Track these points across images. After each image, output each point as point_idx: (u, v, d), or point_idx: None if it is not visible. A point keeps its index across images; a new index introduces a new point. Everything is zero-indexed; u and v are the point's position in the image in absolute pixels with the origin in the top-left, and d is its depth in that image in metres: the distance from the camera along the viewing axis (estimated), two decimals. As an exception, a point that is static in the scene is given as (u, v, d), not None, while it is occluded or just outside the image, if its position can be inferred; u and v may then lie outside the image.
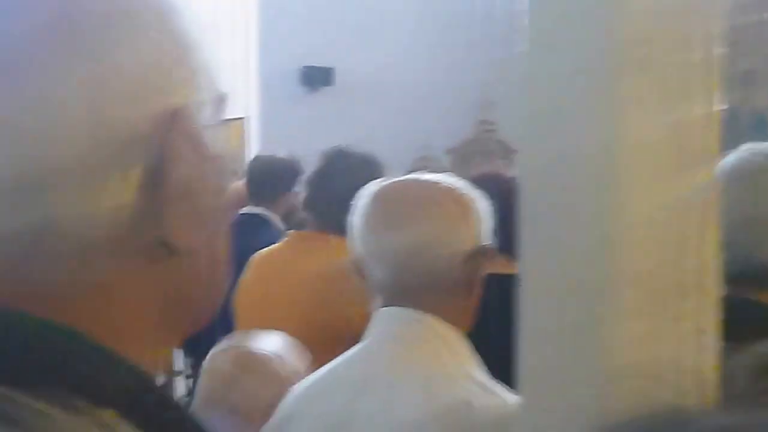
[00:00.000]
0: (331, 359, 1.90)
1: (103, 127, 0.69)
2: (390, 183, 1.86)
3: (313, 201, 3.14)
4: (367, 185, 1.88)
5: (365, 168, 3.03)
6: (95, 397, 0.69)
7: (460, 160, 9.61)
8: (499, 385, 1.74)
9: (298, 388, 1.89)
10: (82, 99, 0.68)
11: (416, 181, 1.87)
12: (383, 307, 1.81)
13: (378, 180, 1.90)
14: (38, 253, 0.69)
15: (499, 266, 1.94)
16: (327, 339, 2.56)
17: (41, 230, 0.68)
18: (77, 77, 0.68)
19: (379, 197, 1.82)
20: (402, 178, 1.89)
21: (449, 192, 1.82)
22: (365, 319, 1.87)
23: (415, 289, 1.77)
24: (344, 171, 3.05)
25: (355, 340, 1.87)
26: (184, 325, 0.78)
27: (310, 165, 3.39)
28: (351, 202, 1.88)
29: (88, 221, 0.69)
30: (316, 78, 9.65)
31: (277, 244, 3.28)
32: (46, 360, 0.69)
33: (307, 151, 3.84)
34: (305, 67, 9.58)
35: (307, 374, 1.98)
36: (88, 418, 0.68)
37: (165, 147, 0.72)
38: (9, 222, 0.68)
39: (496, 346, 1.87)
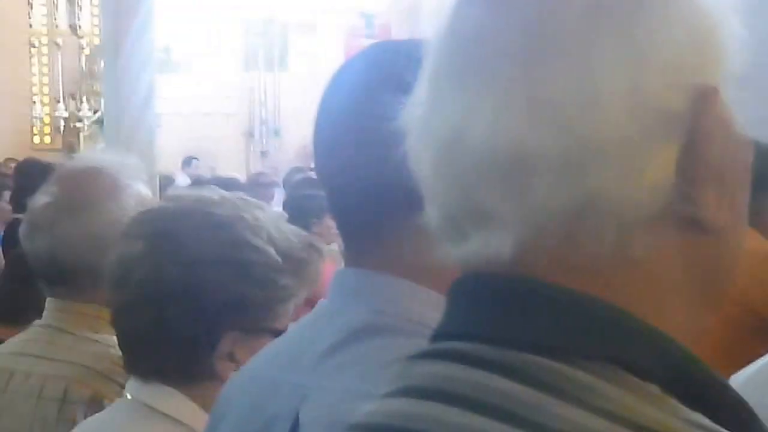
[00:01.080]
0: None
1: (642, 104, 0.70)
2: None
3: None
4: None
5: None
6: (640, 372, 0.70)
7: None
8: None
9: (742, 375, 1.83)
10: (622, 76, 0.69)
11: None
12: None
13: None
14: (580, 230, 0.70)
15: None
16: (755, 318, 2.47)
17: (584, 207, 0.70)
18: (617, 55, 0.70)
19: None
20: None
21: None
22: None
23: None
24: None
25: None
26: (712, 305, 0.78)
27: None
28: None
29: (628, 198, 0.70)
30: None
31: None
32: (589, 333, 0.70)
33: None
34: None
35: None
36: (633, 392, 0.69)
37: (698, 125, 0.72)
38: (554, 199, 0.70)
39: None
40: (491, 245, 0.72)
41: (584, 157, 0.69)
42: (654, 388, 0.69)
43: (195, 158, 12.36)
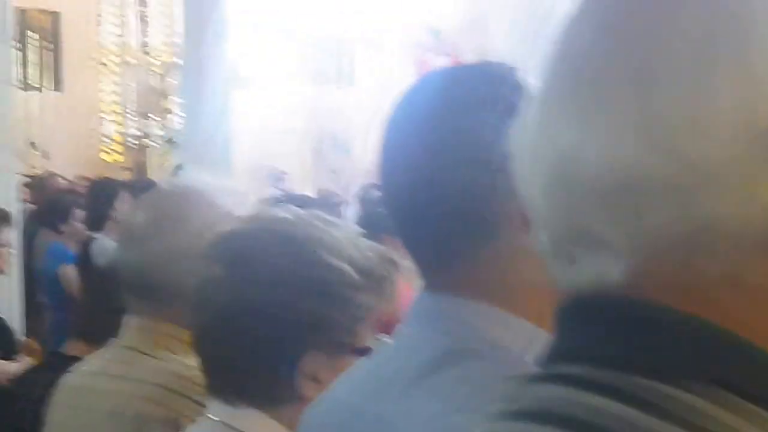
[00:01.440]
0: None
1: (753, 126, 0.68)
2: None
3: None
4: None
5: None
6: (750, 395, 0.69)
7: None
8: None
9: None
10: (734, 99, 0.68)
11: None
12: None
13: None
14: (692, 254, 0.70)
15: None
16: None
17: (697, 231, 0.69)
18: (729, 78, 0.69)
19: None
20: None
21: None
22: None
23: None
24: None
25: None
26: None
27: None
28: None
29: (742, 221, 0.69)
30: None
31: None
32: (700, 356, 0.70)
33: None
34: None
35: None
36: (744, 415, 0.68)
37: None
38: (666, 224, 0.69)
39: None
40: (600, 269, 0.72)
41: (697, 181, 0.68)
42: (763, 412, 0.68)
43: (285, 173, 12.30)
